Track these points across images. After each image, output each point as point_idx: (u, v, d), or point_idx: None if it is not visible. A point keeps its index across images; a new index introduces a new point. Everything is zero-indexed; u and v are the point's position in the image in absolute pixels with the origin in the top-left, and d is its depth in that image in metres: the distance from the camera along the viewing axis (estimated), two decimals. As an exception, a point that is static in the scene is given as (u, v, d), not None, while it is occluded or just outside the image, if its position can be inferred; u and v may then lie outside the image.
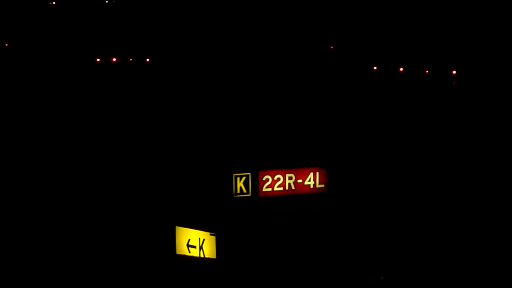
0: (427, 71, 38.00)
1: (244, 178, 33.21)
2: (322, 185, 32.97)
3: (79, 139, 36.79)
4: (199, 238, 31.67)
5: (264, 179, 32.97)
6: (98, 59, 39.81)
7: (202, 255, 31.62)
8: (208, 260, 31.90)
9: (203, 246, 31.70)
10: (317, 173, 33.07)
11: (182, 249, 31.07)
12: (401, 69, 38.09)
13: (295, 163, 33.56)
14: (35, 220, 34.92)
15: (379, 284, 32.55)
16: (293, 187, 32.95)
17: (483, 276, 32.06)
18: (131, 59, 39.80)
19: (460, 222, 33.86)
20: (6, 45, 40.71)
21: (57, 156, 36.48)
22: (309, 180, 33.03)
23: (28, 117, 37.76)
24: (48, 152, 36.45)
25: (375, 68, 38.20)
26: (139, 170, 35.20)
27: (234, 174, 33.26)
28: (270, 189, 32.98)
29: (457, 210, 34.16)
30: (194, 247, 31.44)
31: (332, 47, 39.74)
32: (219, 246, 32.31)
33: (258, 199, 33.12)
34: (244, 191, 33.14)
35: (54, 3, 43.19)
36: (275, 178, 32.96)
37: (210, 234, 32.13)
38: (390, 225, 33.61)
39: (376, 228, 33.47)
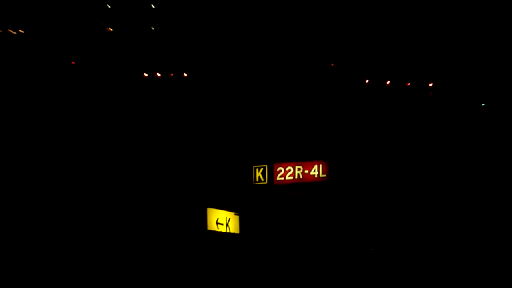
0: (408, 84, 38.76)
1: (262, 169, 34.69)
2: (325, 175, 34.46)
3: (137, 140, 37.79)
4: (226, 217, 33.41)
5: (278, 170, 34.47)
6: (145, 74, 40.64)
7: (228, 231, 33.30)
8: (233, 234, 33.47)
9: (229, 224, 33.40)
10: (321, 165, 34.63)
11: (212, 226, 32.80)
12: (388, 82, 38.78)
13: (303, 157, 34.94)
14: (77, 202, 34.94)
15: (370, 254, 32.92)
16: (301, 177, 34.40)
17: (475, 258, 32.07)
18: (172, 74, 40.38)
19: (442, 205, 34.79)
20: (73, 62, 41.01)
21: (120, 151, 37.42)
22: (314, 171, 34.51)
23: (89, 126, 38.44)
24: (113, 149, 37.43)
25: (367, 81, 39.04)
26: (182, 164, 35.95)
27: (253, 166, 34.73)
28: (282, 178, 34.43)
29: (439, 195, 35.21)
30: (222, 224, 33.15)
31: (332, 64, 40.37)
32: (242, 223, 33.93)
33: (273, 186, 34.41)
34: (262, 179, 34.57)
35: (111, 30, 43.11)
36: (287, 169, 34.45)
37: (235, 214, 33.88)
38: (379, 206, 34.61)
39: (368, 209, 34.50)
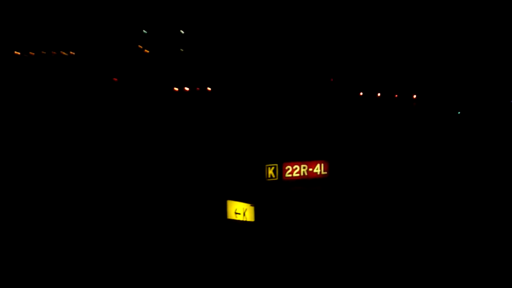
0: (396, 95, 38.53)
1: (273, 167, 34.10)
2: (325, 172, 33.98)
3: (171, 145, 37.53)
4: (243, 208, 32.97)
5: (286, 168, 33.95)
6: (176, 88, 40.47)
7: (244, 219, 32.90)
8: (249, 222, 33.06)
9: (246, 213, 32.95)
10: (322, 164, 34.12)
11: (231, 215, 32.48)
12: (379, 94, 38.57)
13: (308, 157, 34.47)
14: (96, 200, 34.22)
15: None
16: (306, 174, 33.95)
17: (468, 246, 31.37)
18: (198, 88, 40.24)
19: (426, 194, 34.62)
20: (115, 79, 40.91)
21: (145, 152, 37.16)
22: (317, 169, 34.02)
23: (134, 130, 38.46)
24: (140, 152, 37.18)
25: (361, 94, 38.82)
26: (206, 164, 35.60)
27: (266, 165, 34.20)
28: (290, 175, 33.94)
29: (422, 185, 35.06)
30: (239, 214, 32.78)
31: (332, 79, 40.16)
32: (256, 213, 33.35)
33: (282, 182, 33.90)
34: (273, 176, 34.00)
35: (147, 51, 43.04)
36: (294, 167, 33.98)
37: (251, 205, 33.36)
38: (372, 199, 34.29)
39: (361, 200, 34.14)
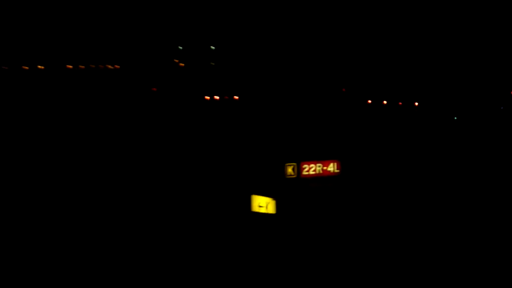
0: (400, 103, 38.37)
1: (292, 166, 33.70)
2: (338, 171, 33.67)
3: (201, 147, 37.29)
4: (266, 202, 32.56)
5: (304, 167, 33.61)
6: (207, 97, 40.50)
7: (267, 212, 32.51)
8: (271, 214, 32.61)
9: (268, 206, 32.53)
10: (335, 163, 33.76)
11: (255, 208, 32.25)
12: (385, 102, 38.41)
13: (322, 157, 34.10)
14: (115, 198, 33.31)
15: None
16: (320, 172, 33.62)
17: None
18: (226, 97, 40.22)
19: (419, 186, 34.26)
20: (155, 89, 41.00)
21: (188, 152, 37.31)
22: (330, 168, 33.67)
23: (171, 135, 38.32)
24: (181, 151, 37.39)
25: (369, 101, 38.63)
26: (234, 165, 35.40)
27: (285, 164, 33.79)
28: (307, 173, 33.60)
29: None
30: (262, 206, 32.41)
31: (344, 89, 40.06)
32: (277, 206, 32.86)
33: (300, 179, 33.57)
34: (292, 174, 33.60)
35: (182, 65, 43.34)
36: (310, 166, 33.63)
37: (272, 199, 32.83)
38: (377, 193, 33.88)
39: (369, 195, 33.75)
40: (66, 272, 26.28)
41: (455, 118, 38.33)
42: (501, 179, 34.15)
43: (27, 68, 42.01)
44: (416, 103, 38.65)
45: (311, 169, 33.72)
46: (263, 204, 32.48)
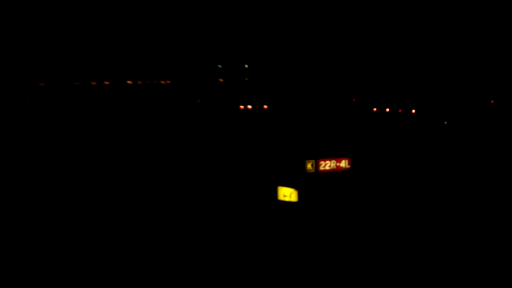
0: (400, 110, 38.15)
1: (311, 162, 33.11)
2: (349, 166, 33.44)
3: (238, 147, 37.72)
4: (289, 192, 31.88)
5: (320, 163, 33.11)
6: (241, 106, 40.50)
7: (290, 200, 31.87)
8: (293, 202, 31.91)
9: (291, 195, 31.84)
10: (347, 160, 33.46)
11: (280, 197, 31.85)
12: (387, 110, 38.20)
13: (336, 155, 33.77)
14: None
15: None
16: (334, 167, 33.22)
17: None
18: (257, 106, 40.18)
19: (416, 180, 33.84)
20: (199, 100, 41.31)
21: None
22: (343, 164, 33.37)
23: (212, 139, 38.59)
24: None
25: (374, 109, 38.48)
26: (264, 163, 35.70)
27: (306, 161, 33.19)
28: (324, 168, 33.12)
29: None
30: (286, 196, 31.83)
31: (353, 99, 39.93)
32: (299, 196, 32.09)
33: (318, 173, 33.11)
34: (311, 169, 33.07)
35: (221, 80, 43.37)
36: (326, 162, 33.16)
37: (295, 190, 32.11)
38: (382, 183, 33.58)
39: (374, 185, 33.35)
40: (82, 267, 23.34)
41: (445, 122, 38.02)
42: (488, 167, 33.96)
43: (94, 83, 42.50)
44: (413, 110, 38.42)
45: (327, 165, 33.26)
46: (287, 194, 31.90)
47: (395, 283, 22.17)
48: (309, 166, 33.27)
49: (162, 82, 43.16)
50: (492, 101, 38.60)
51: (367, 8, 42.79)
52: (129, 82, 43.03)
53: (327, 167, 33.40)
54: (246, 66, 44.57)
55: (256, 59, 45.68)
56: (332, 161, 33.49)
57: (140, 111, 41.74)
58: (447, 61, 40.77)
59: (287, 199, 31.94)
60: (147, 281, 22.08)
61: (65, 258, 23.72)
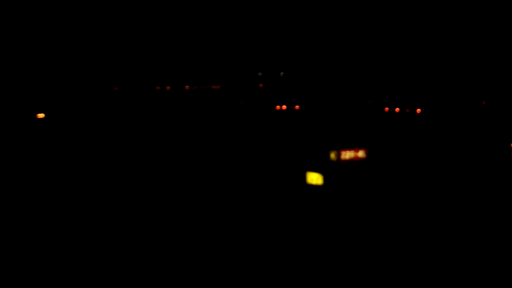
0: (407, 110, 37.78)
1: (334, 152, 32.85)
2: (365, 156, 33.17)
3: (277, 140, 37.22)
4: (316, 177, 31.74)
5: (342, 153, 32.90)
6: (278, 107, 40.53)
7: (317, 183, 31.75)
8: (319, 185, 31.82)
9: (317, 180, 31.73)
10: (364, 151, 33.22)
11: (308, 181, 31.75)
12: (397, 109, 37.87)
13: (355, 146, 33.47)
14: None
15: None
16: (353, 156, 32.97)
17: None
18: (290, 107, 40.17)
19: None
20: (242, 102, 41.33)
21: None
22: (360, 154, 33.12)
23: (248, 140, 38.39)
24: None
25: (386, 109, 38.18)
26: (298, 154, 35.18)
27: (330, 151, 33.00)
28: (344, 157, 32.88)
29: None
30: (313, 180, 31.74)
31: (370, 101, 39.74)
32: (324, 179, 32.02)
33: (340, 161, 32.88)
34: (334, 158, 32.83)
35: (262, 85, 43.57)
36: (346, 152, 32.96)
37: (320, 175, 31.99)
38: (392, 169, 33.20)
39: (386, 171, 33.07)
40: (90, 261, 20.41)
41: (444, 120, 37.50)
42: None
43: (158, 88, 42.93)
44: (419, 110, 37.99)
45: (347, 154, 33.05)
46: (314, 178, 31.80)
47: (403, 251, 21.93)
48: (332, 155, 33.00)
49: (214, 87, 43.45)
50: (483, 102, 37.99)
51: (386, 24, 42.55)
52: (186, 87, 43.49)
53: (347, 156, 33.11)
54: (282, 74, 44.64)
55: (289, 68, 45.76)
56: (351, 151, 33.25)
57: (198, 111, 41.95)
58: (447, 66, 40.24)
59: (313, 182, 31.84)
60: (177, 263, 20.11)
61: (65, 258, 20.60)
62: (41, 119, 36.96)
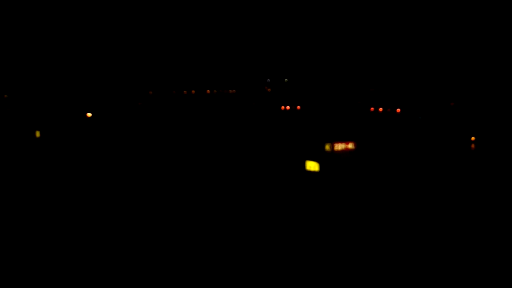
0: (389, 109, 36.67)
1: (328, 144, 32.09)
2: (354, 147, 32.13)
3: (283, 135, 36.35)
4: (313, 164, 30.28)
5: (335, 145, 31.98)
6: (282, 107, 39.50)
7: (314, 170, 30.39)
8: (316, 171, 30.53)
9: (315, 167, 30.37)
10: (353, 143, 32.17)
11: (308, 168, 30.37)
12: (381, 109, 36.77)
13: (345, 139, 32.39)
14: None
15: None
16: (344, 148, 32.01)
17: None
18: (293, 107, 39.31)
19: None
20: (254, 103, 40.42)
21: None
22: (350, 146, 32.09)
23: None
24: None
25: (372, 109, 37.09)
26: (297, 145, 33.86)
27: (325, 143, 32.18)
28: (337, 148, 31.98)
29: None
30: (311, 167, 30.29)
31: (359, 102, 38.56)
32: (320, 166, 30.72)
33: (333, 151, 31.97)
34: (328, 149, 32.04)
35: (269, 90, 43.01)
36: (339, 144, 31.99)
37: (317, 163, 30.70)
38: (377, 158, 31.85)
39: (371, 160, 31.76)
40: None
41: (420, 118, 36.13)
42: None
43: (185, 92, 42.56)
44: (398, 109, 36.58)
45: (339, 146, 32.06)
46: (311, 165, 30.53)
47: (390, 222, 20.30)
48: (327, 147, 32.11)
49: (230, 91, 42.93)
50: (452, 103, 36.67)
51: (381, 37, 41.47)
52: (208, 91, 42.79)
53: (339, 148, 32.10)
54: (286, 80, 43.86)
55: (292, 76, 44.92)
56: (343, 143, 32.18)
57: (218, 110, 41.58)
58: (422, 74, 39.01)
59: (311, 169, 30.61)
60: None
61: (66, 257, 16.45)
62: (89, 117, 36.74)
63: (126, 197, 23.03)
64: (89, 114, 33.02)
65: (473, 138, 33.05)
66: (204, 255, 16.10)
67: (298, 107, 40.85)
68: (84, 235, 18.22)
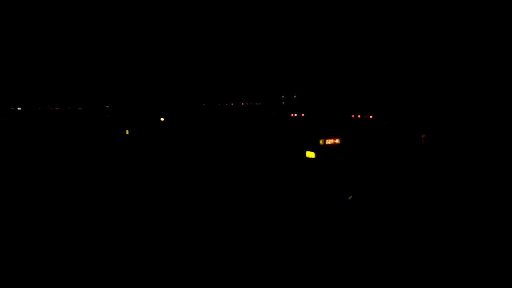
0: (365, 116, 32.86)
1: (322, 140, 28.82)
2: (339, 142, 28.82)
3: (291, 134, 33.73)
4: (311, 153, 27.57)
5: (326, 140, 28.70)
6: (292, 115, 36.64)
7: (311, 157, 27.60)
8: (313, 158, 27.65)
9: (312, 155, 27.68)
10: (339, 139, 28.84)
11: (307, 156, 27.44)
12: (359, 116, 32.98)
13: (333, 136, 29.01)
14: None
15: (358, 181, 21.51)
16: (333, 142, 28.79)
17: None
18: (299, 115, 36.04)
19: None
20: (273, 112, 37.51)
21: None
22: (337, 141, 28.77)
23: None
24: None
25: (353, 116, 33.42)
26: (299, 141, 31.08)
27: (319, 139, 28.89)
28: (328, 143, 28.73)
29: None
30: (309, 155, 27.60)
31: (343, 111, 34.92)
32: (316, 155, 27.99)
33: (325, 145, 28.73)
34: (321, 143, 28.86)
35: (283, 103, 39.73)
36: (329, 140, 28.74)
37: (313, 152, 28.03)
38: (358, 151, 28.59)
39: (354, 151, 28.57)
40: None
41: (385, 122, 32.08)
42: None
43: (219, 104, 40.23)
44: (371, 116, 32.71)
45: (329, 141, 28.93)
46: (310, 154, 28.00)
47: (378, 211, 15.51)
48: (321, 141, 29.08)
49: (257, 104, 40.11)
50: (408, 112, 32.52)
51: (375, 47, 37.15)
52: (242, 103, 40.13)
53: (329, 142, 29.07)
54: (295, 96, 40.69)
55: (299, 94, 41.58)
56: (331, 139, 29.04)
57: (248, 117, 38.81)
58: (386, 89, 34.79)
59: (309, 156, 27.95)
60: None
61: (66, 257, 10.63)
62: (162, 121, 35.04)
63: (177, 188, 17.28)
64: (162, 119, 31.24)
65: (423, 136, 29.29)
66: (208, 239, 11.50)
67: (303, 114, 38.00)
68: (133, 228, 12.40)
